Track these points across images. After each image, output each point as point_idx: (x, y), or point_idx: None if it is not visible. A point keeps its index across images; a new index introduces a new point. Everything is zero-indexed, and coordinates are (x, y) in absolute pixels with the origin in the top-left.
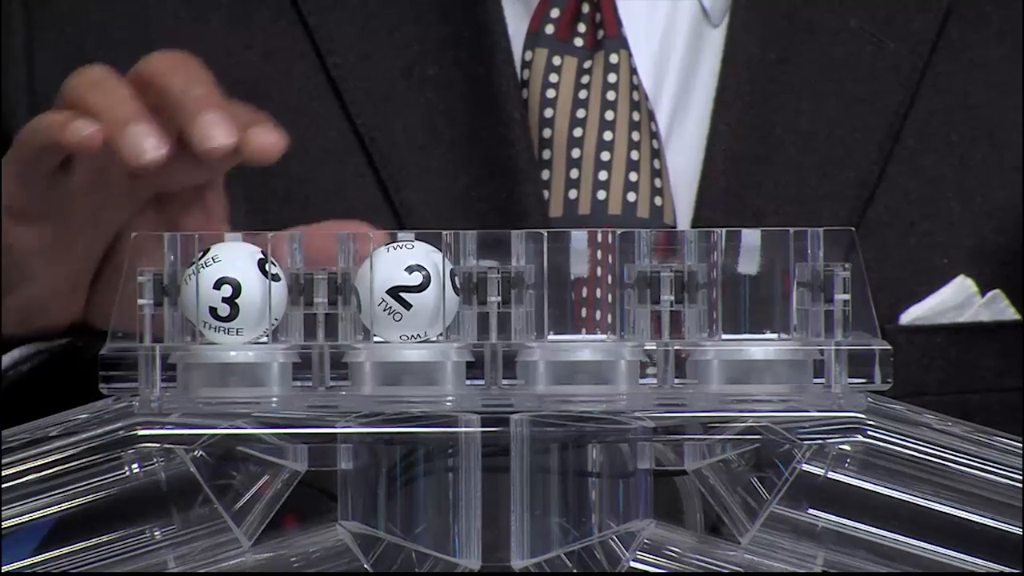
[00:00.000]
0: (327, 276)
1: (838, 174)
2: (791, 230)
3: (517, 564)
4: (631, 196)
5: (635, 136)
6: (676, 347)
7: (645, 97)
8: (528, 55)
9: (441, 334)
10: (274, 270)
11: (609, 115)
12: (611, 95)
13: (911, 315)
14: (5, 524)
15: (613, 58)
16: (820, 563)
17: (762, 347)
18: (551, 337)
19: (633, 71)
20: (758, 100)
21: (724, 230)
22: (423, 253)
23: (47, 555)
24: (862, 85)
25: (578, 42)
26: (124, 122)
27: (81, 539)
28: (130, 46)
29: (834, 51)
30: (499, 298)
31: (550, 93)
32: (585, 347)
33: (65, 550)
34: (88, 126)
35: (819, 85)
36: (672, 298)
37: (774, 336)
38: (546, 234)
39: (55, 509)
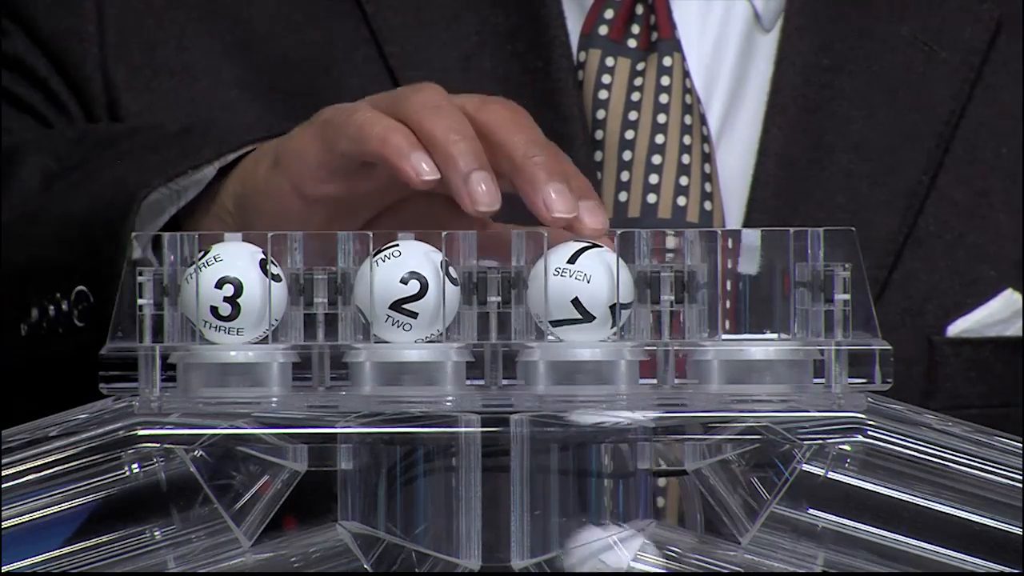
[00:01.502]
0: (327, 276)
1: (888, 183)
2: (791, 230)
3: (517, 564)
4: (681, 200)
5: (687, 140)
6: (676, 347)
7: (697, 100)
8: (582, 56)
9: (441, 332)
10: (275, 270)
11: (661, 118)
12: (664, 98)
13: (958, 327)
14: (5, 524)
15: (666, 60)
16: (820, 563)
17: (762, 347)
18: (551, 337)
19: (686, 74)
20: (811, 105)
21: (722, 230)
22: (413, 256)
23: (47, 555)
24: (913, 94)
25: (632, 43)
26: (467, 166)
27: (81, 539)
28: (198, 8)
29: (886, 59)
30: (499, 298)
31: (602, 94)
32: (585, 347)
33: (65, 550)
34: (430, 168)
35: (870, 93)
36: (672, 298)
37: (774, 336)
38: (547, 234)
39: (55, 509)
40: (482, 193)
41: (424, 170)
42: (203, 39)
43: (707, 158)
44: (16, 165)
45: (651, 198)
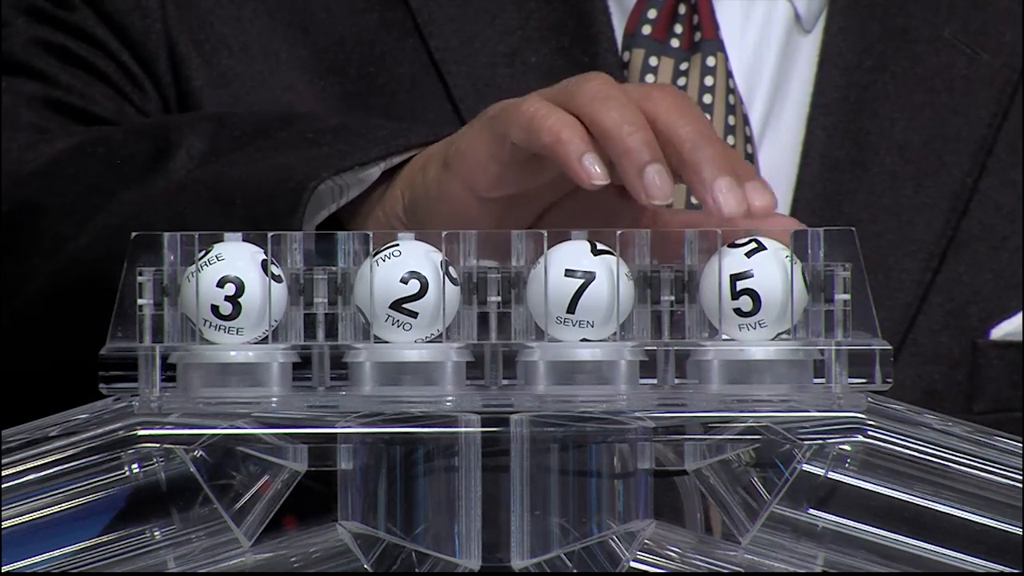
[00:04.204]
0: (327, 276)
1: (932, 185)
2: (791, 230)
3: (517, 564)
4: None
5: (730, 140)
6: (676, 347)
7: (740, 101)
8: (625, 55)
9: (441, 332)
10: (275, 270)
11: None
12: (708, 98)
13: (1002, 330)
14: (5, 524)
15: (710, 61)
16: (820, 563)
17: (762, 347)
18: (551, 337)
19: (729, 74)
20: (854, 107)
21: (723, 230)
22: (413, 256)
23: (47, 555)
24: (955, 96)
25: (675, 43)
26: (642, 158)
27: (81, 539)
28: None
29: (928, 61)
30: (499, 298)
31: None
32: (585, 347)
33: (65, 550)
34: (602, 172)
35: (913, 95)
36: (672, 298)
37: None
38: (546, 234)
39: (55, 509)
40: (657, 186)
41: (596, 173)
42: (262, 19)
43: (750, 158)
44: (168, 156)
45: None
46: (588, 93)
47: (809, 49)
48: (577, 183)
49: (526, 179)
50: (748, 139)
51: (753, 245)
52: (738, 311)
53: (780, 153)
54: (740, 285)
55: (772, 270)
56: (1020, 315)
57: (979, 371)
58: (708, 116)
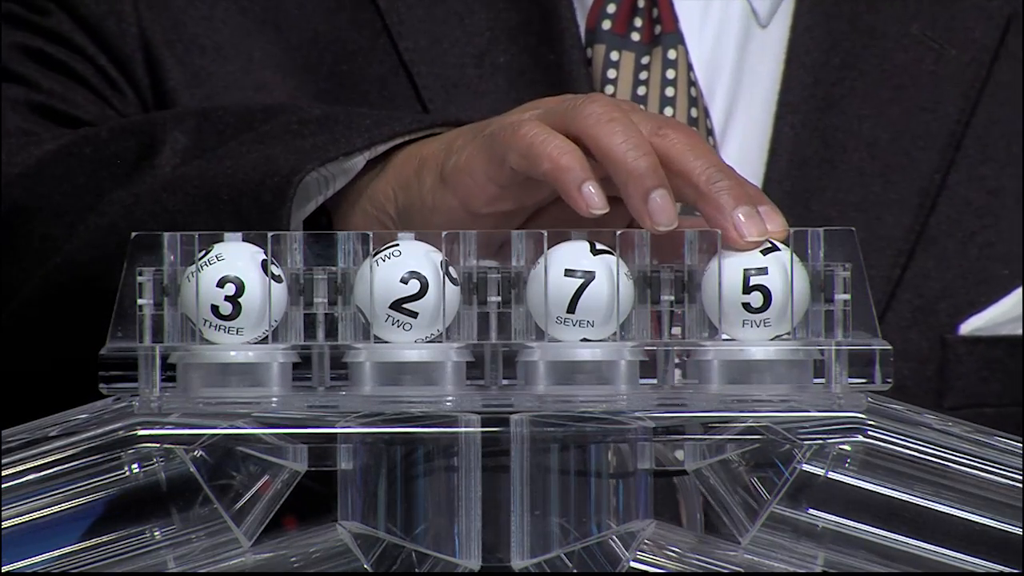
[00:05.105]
0: (327, 276)
1: (901, 181)
2: (791, 230)
3: (517, 564)
4: None
5: None
6: (676, 347)
7: (701, 94)
8: (588, 52)
9: (441, 332)
10: (275, 270)
11: (668, 111)
12: (670, 91)
13: (971, 325)
14: (5, 524)
15: (671, 54)
16: (820, 563)
17: (762, 347)
18: (551, 337)
19: (690, 67)
20: (821, 104)
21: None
22: (413, 256)
23: (47, 555)
24: (924, 92)
25: (635, 37)
26: (647, 184)
27: (81, 539)
28: None
29: (896, 57)
30: (499, 298)
31: (609, 89)
32: (585, 347)
33: (65, 550)
34: (601, 202)
35: (881, 91)
36: (672, 298)
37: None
38: (546, 234)
39: (55, 509)
40: (663, 211)
41: (595, 202)
42: (235, 18)
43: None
44: (154, 152)
45: None
46: (592, 115)
47: (775, 47)
48: (576, 211)
49: (523, 197)
50: (710, 132)
51: (768, 244)
52: (747, 306)
53: (747, 150)
54: (754, 280)
55: (786, 271)
56: (989, 310)
57: (948, 367)
58: (670, 109)
